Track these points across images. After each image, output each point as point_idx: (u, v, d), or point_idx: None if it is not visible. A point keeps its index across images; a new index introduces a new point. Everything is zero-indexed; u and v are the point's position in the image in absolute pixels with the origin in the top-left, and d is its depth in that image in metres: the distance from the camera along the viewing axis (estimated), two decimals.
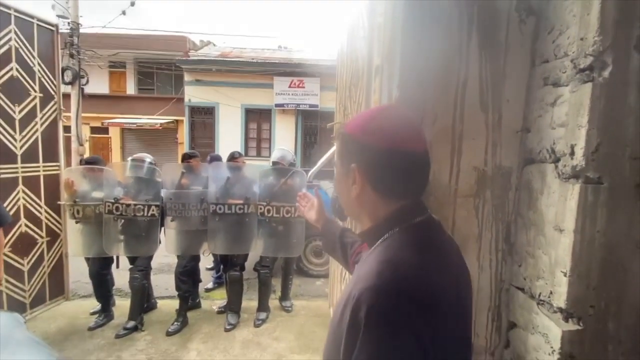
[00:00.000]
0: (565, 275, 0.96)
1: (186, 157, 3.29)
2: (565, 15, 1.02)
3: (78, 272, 3.58)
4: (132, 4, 7.90)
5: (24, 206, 2.97)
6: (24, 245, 2.96)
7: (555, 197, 1.02)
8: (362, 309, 0.52)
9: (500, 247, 1.22)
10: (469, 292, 0.70)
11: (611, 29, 0.91)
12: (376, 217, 0.66)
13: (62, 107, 3.30)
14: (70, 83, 7.68)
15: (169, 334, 2.86)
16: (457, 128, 1.15)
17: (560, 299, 0.98)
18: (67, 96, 6.80)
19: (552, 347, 0.99)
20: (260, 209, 2.90)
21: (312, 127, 10.96)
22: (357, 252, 0.98)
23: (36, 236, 3.08)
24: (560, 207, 1.00)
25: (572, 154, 0.96)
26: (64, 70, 7.29)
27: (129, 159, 3.10)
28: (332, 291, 2.96)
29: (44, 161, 3.12)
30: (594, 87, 0.92)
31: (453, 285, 0.62)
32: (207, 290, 3.83)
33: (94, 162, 3.13)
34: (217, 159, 3.88)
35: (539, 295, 1.08)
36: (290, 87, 10.49)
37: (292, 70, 10.40)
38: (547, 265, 1.05)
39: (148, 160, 3.02)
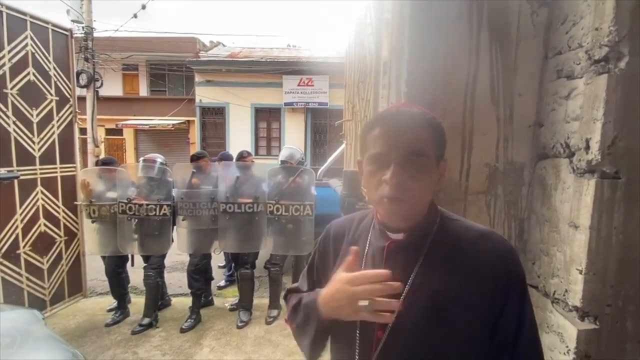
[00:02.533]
0: (580, 273, 0.94)
1: (194, 159, 3.30)
2: (579, 5, 0.98)
3: (95, 271, 3.68)
4: (143, 7, 8.03)
5: (43, 206, 3.06)
6: (43, 244, 3.06)
7: (570, 193, 0.99)
8: (512, 274, 0.62)
9: (513, 244, 1.19)
10: None
11: (627, 18, 0.87)
12: (426, 207, 0.68)
13: (77, 110, 3.39)
14: (86, 86, 7.86)
15: (182, 330, 2.91)
16: (467, 123, 1.13)
17: (576, 298, 0.96)
18: (82, 99, 6.98)
19: (567, 347, 0.97)
20: (270, 207, 2.92)
21: (322, 125, 10.95)
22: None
23: (55, 235, 3.18)
24: (575, 202, 0.97)
25: (588, 148, 0.93)
26: (79, 73, 7.47)
27: (141, 159, 3.16)
28: None
29: (60, 163, 3.21)
30: (609, 78, 0.89)
31: None
32: (220, 287, 3.88)
33: (109, 163, 3.20)
34: (228, 157, 3.91)
35: (554, 294, 1.05)
36: (299, 85, 10.50)
37: (300, 69, 10.40)
38: (561, 263, 1.02)
39: (159, 160, 3.07)
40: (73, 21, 7.65)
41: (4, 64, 2.73)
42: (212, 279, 3.42)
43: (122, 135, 13.42)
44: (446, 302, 0.60)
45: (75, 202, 3.32)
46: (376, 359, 0.63)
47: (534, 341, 0.63)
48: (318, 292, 0.68)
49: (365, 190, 0.68)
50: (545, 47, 1.12)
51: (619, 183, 0.91)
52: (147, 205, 2.86)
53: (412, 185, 0.60)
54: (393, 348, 0.62)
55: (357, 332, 0.66)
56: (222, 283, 3.97)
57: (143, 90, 13.60)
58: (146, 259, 3.09)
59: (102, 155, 8.36)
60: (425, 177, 0.62)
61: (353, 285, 0.59)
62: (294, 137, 10.69)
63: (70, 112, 3.32)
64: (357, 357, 0.66)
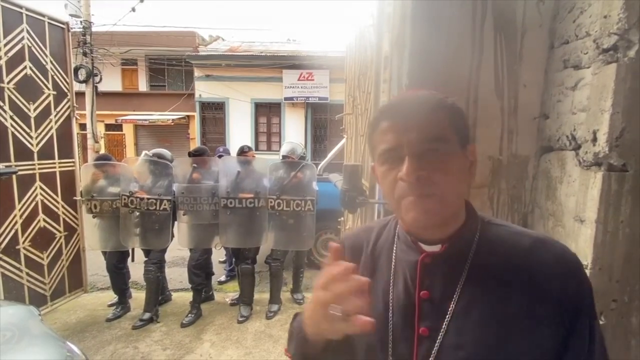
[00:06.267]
0: (586, 268, 0.92)
1: (191, 155, 3.22)
2: None
3: (95, 266, 3.68)
4: (142, 0, 7.95)
5: (42, 202, 3.05)
6: (43, 239, 3.06)
7: (576, 186, 0.97)
8: (582, 301, 0.52)
9: None
10: None
11: (637, 4, 0.84)
12: (463, 206, 0.57)
13: (75, 105, 3.36)
14: (85, 81, 7.82)
15: (183, 325, 2.92)
16: (470, 115, 1.10)
17: None
18: (81, 94, 6.94)
19: None
20: (271, 202, 2.90)
21: (322, 120, 10.90)
22: None
23: (54, 231, 3.17)
24: (581, 196, 0.95)
25: (595, 140, 0.91)
26: (77, 68, 7.42)
27: (144, 152, 3.14)
28: None
29: (59, 158, 3.20)
30: (618, 68, 0.86)
31: None
32: (220, 282, 3.88)
33: (105, 160, 3.19)
34: (226, 152, 3.89)
35: None
36: (299, 80, 10.43)
37: (301, 63, 10.32)
38: None
39: (165, 155, 3.06)
40: (71, 15, 7.59)
41: None
42: (213, 274, 3.42)
43: (121, 130, 13.39)
44: (503, 325, 0.51)
45: (75, 198, 3.31)
46: None
47: None
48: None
49: (385, 199, 0.57)
50: (551, 36, 1.09)
51: (626, 176, 0.89)
52: (148, 199, 2.85)
53: (438, 178, 0.50)
54: None
55: None
56: (223, 278, 3.97)
57: (142, 85, 13.53)
58: (147, 253, 3.09)
59: (102, 151, 8.35)
60: (453, 166, 0.52)
61: (322, 290, 0.46)
62: (294, 132, 10.65)
63: (68, 107, 3.29)
64: None
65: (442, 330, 0.53)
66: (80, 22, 7.76)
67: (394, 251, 0.61)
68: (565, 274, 0.52)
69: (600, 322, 0.93)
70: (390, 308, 0.57)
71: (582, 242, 0.94)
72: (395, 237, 0.62)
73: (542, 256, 0.53)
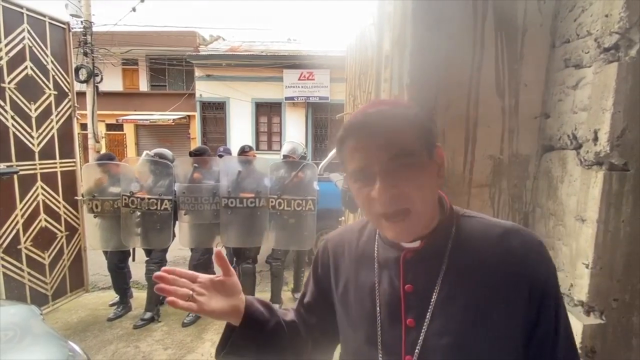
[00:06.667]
0: (587, 267, 0.92)
1: (192, 155, 3.24)
2: None
3: (97, 266, 3.69)
4: (142, 0, 7.96)
5: (43, 201, 3.06)
6: (44, 239, 3.06)
7: (577, 185, 0.97)
8: (547, 283, 0.55)
9: None
10: None
11: (639, 3, 0.84)
12: (437, 206, 0.60)
13: (76, 105, 3.37)
14: (86, 81, 7.83)
15: (184, 325, 2.92)
16: (471, 115, 1.10)
17: (582, 292, 0.94)
18: (82, 94, 6.95)
19: None
20: (272, 202, 2.90)
21: (323, 120, 10.90)
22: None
23: (56, 230, 3.18)
24: (582, 195, 0.95)
25: (596, 139, 0.91)
26: (78, 68, 7.43)
27: (145, 152, 3.15)
28: None
29: (60, 158, 3.20)
30: (619, 67, 0.86)
31: None
32: None
33: (108, 159, 3.20)
34: (227, 152, 3.89)
35: None
36: (300, 79, 10.42)
37: (301, 63, 10.32)
38: (567, 257, 1.00)
39: (166, 155, 3.06)
40: (72, 15, 7.59)
41: (0, 58, 2.70)
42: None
43: (122, 130, 13.41)
44: (481, 310, 0.54)
45: (76, 197, 3.31)
46: None
47: (571, 344, 0.58)
48: None
49: (362, 213, 0.60)
50: (552, 35, 1.08)
51: (627, 175, 0.89)
52: (149, 199, 2.85)
53: (410, 193, 0.52)
54: None
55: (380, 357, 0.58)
56: None
57: (143, 85, 13.55)
58: (148, 253, 3.09)
59: (103, 151, 8.36)
60: (423, 178, 0.53)
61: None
62: (294, 131, 10.65)
63: (69, 107, 3.30)
64: None
65: (426, 319, 0.56)
66: (81, 22, 7.76)
67: (376, 249, 0.64)
68: (532, 258, 0.55)
69: (601, 322, 0.93)
70: (378, 304, 0.60)
71: (583, 242, 0.94)
72: (377, 235, 0.65)
73: (512, 243, 0.56)
